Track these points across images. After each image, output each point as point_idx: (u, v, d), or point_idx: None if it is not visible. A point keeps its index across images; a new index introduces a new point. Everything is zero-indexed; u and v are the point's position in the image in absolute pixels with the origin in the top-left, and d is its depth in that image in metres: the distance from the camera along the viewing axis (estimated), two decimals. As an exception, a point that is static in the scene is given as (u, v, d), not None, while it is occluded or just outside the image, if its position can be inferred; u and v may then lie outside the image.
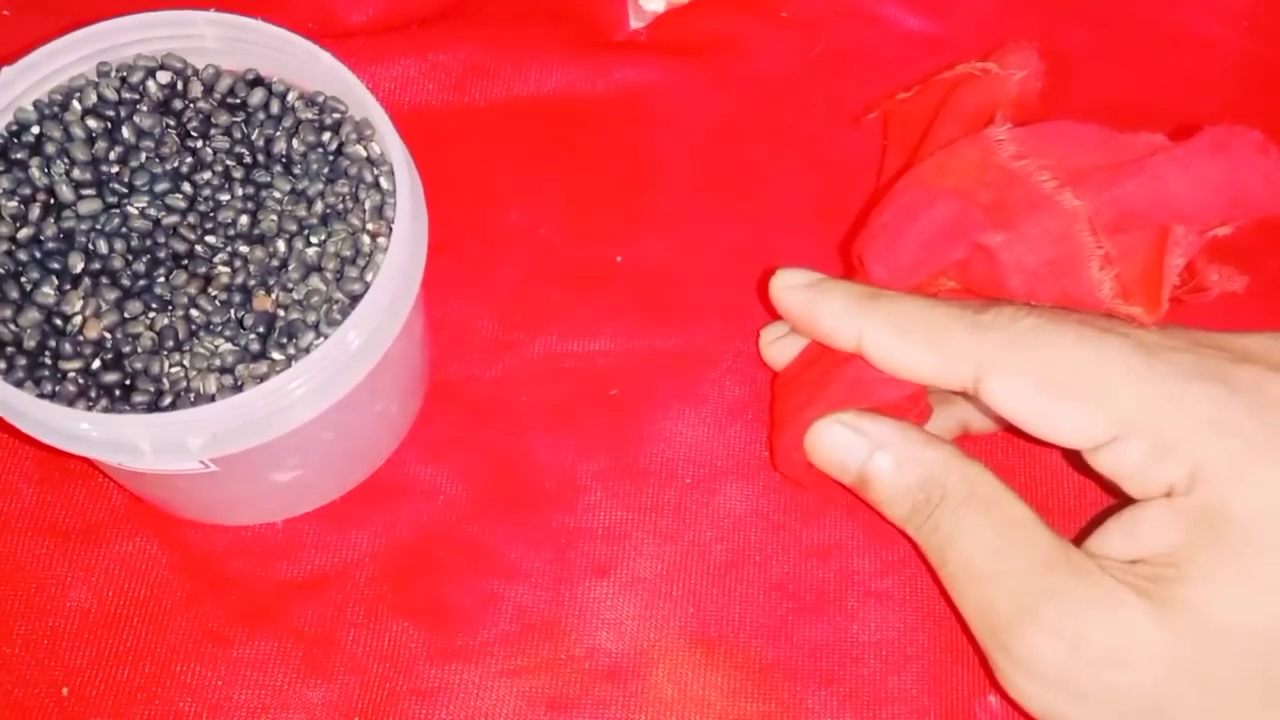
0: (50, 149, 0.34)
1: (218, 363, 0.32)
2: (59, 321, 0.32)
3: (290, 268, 0.33)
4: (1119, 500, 0.31)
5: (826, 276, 0.34)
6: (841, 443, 0.33)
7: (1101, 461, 0.29)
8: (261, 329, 0.32)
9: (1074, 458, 0.30)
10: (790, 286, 0.34)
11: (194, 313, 0.32)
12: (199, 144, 0.35)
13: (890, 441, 0.32)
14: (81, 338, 0.32)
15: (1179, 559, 0.28)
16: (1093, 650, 0.28)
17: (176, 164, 0.34)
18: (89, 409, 0.31)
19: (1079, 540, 0.31)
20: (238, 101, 0.35)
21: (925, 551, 0.32)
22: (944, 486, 0.31)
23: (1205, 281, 0.31)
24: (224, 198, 0.34)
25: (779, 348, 0.37)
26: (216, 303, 0.33)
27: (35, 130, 0.34)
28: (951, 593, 0.32)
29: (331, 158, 0.34)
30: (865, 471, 0.33)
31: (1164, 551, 0.28)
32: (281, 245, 0.33)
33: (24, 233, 0.33)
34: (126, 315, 0.32)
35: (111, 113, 0.35)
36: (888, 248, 0.33)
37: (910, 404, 0.34)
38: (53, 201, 0.34)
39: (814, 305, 0.33)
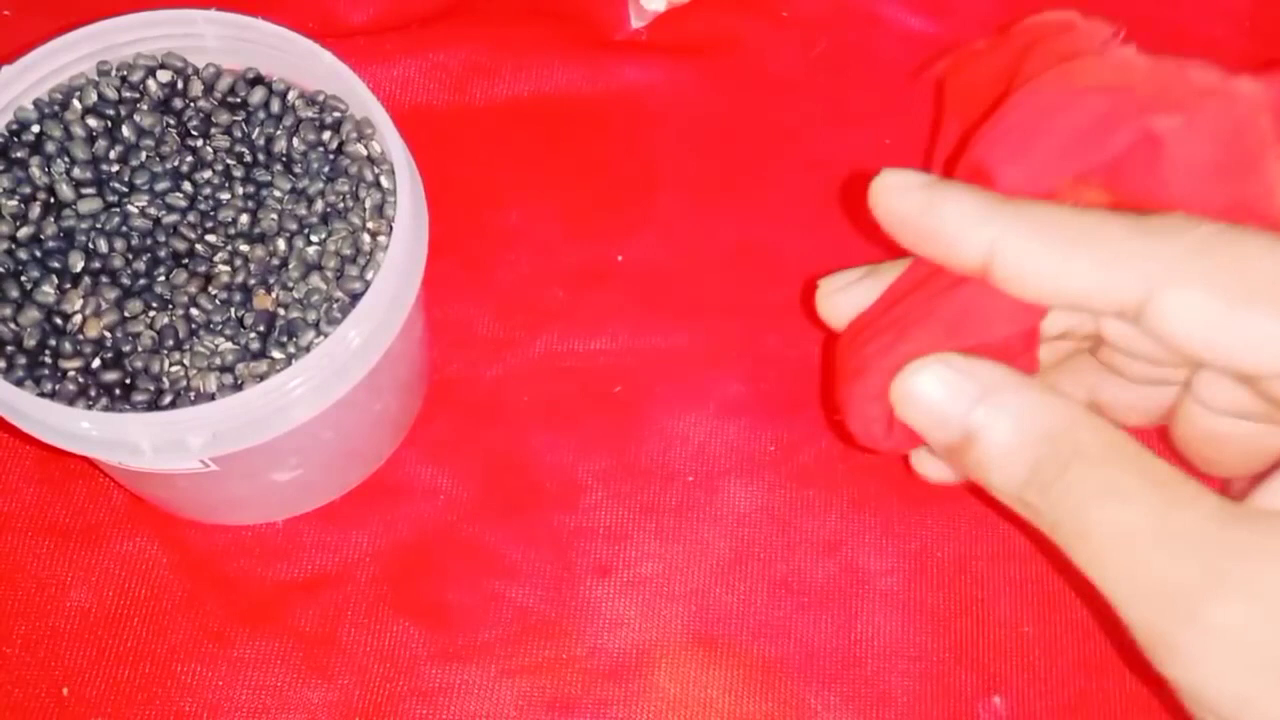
0: (50, 148, 0.34)
1: (218, 361, 0.32)
2: (59, 320, 0.32)
3: (290, 266, 0.33)
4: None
5: (943, 179, 0.28)
6: (942, 387, 0.27)
7: None
8: (262, 328, 0.32)
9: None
10: (900, 187, 0.27)
11: (194, 311, 0.32)
12: (199, 143, 0.35)
13: (1004, 386, 0.26)
14: (81, 336, 0.32)
15: None
16: None
17: (177, 163, 0.34)
18: (89, 408, 0.31)
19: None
20: (238, 100, 0.35)
21: (1051, 526, 0.26)
22: (1075, 440, 0.25)
23: None
24: (224, 196, 0.34)
25: (844, 298, 0.31)
26: (217, 301, 0.32)
27: (35, 129, 0.34)
28: (1095, 569, 0.25)
29: (332, 156, 0.34)
30: (971, 424, 0.26)
31: None
32: (282, 244, 0.33)
33: (24, 231, 0.33)
34: (126, 314, 0.32)
35: (112, 112, 0.35)
36: (1021, 147, 0.27)
37: (1023, 346, 0.28)
38: (53, 200, 0.34)
39: (934, 207, 0.26)
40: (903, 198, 0.27)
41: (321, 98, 0.35)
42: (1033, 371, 0.28)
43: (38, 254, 0.33)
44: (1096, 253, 0.24)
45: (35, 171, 0.34)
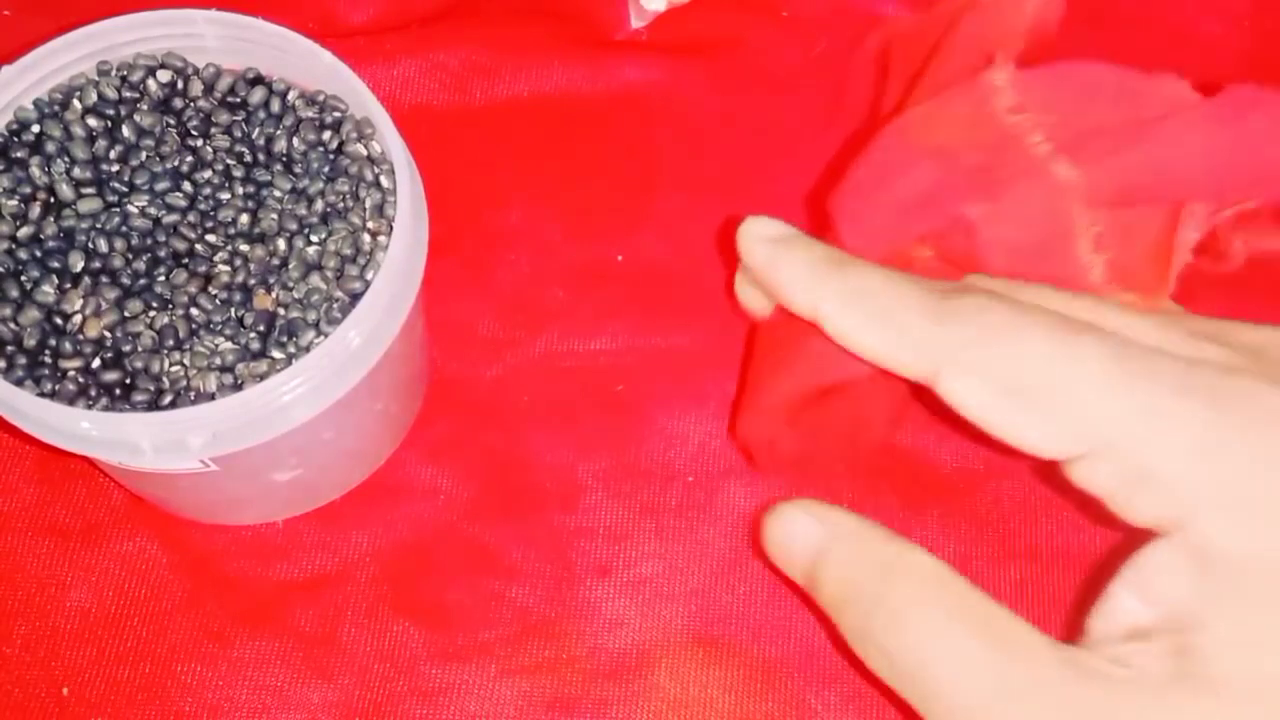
0: (50, 148, 0.34)
1: (218, 361, 0.32)
2: (59, 320, 0.32)
3: (290, 266, 0.33)
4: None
5: (797, 232, 0.30)
6: (796, 530, 0.29)
7: (1076, 476, 0.26)
8: (262, 328, 0.32)
9: (1047, 469, 0.27)
10: (756, 238, 0.30)
11: (194, 311, 0.32)
12: (199, 143, 0.35)
13: (846, 533, 0.28)
14: (81, 336, 0.32)
15: (1189, 621, 0.24)
16: None
17: (177, 163, 0.34)
18: (89, 408, 0.31)
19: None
20: (238, 100, 0.35)
21: (888, 672, 0.26)
22: (916, 596, 0.26)
23: (1228, 248, 0.28)
24: (224, 196, 0.34)
25: (756, 294, 0.32)
26: (217, 301, 0.32)
27: (35, 129, 0.34)
28: (916, 702, 0.26)
29: (332, 156, 0.34)
30: (815, 566, 0.28)
31: (1175, 608, 0.24)
32: (282, 244, 0.33)
33: (24, 231, 0.33)
34: (126, 314, 0.32)
35: (112, 111, 0.35)
36: (860, 209, 0.30)
37: (885, 380, 0.29)
38: (53, 200, 0.34)
39: (775, 265, 0.29)
40: (755, 249, 0.30)
41: (321, 98, 0.35)
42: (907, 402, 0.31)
43: (38, 254, 0.33)
44: (897, 332, 0.26)
45: (35, 171, 0.34)
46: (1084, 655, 0.25)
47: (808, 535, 0.28)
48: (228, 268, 0.33)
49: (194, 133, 0.35)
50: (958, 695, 0.25)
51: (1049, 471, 0.26)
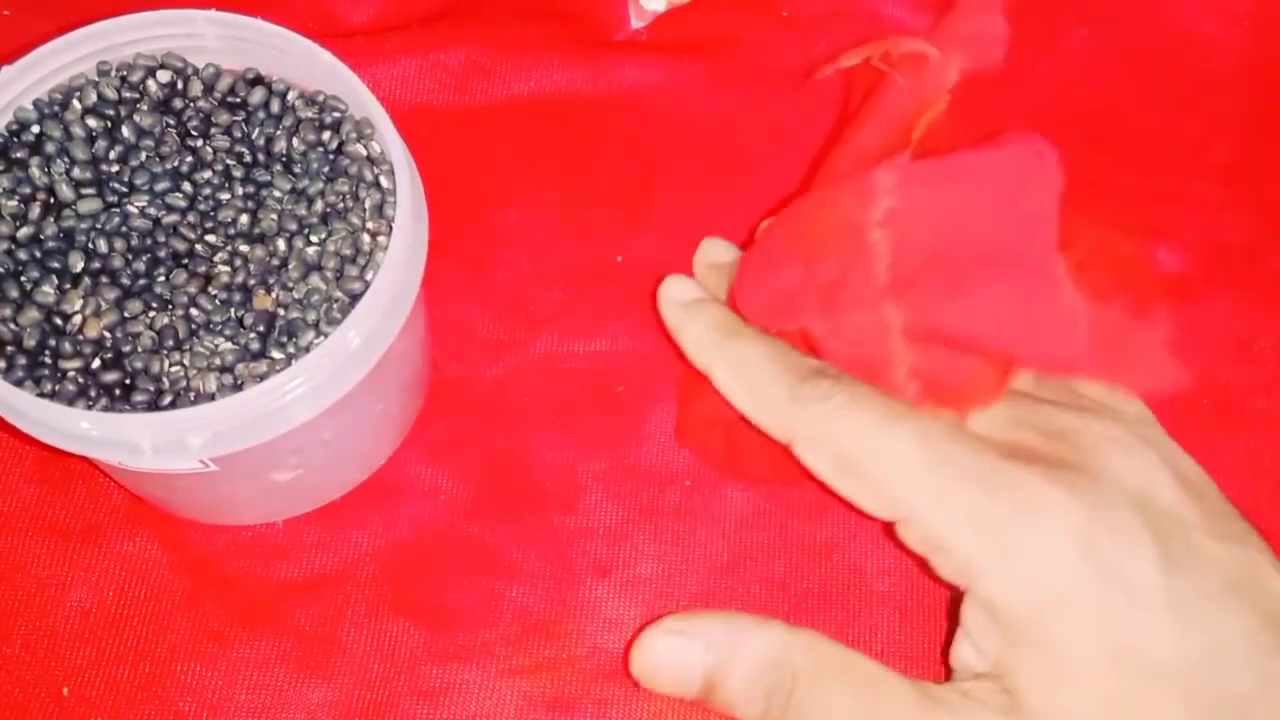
0: (50, 148, 0.34)
1: (218, 362, 0.32)
2: (59, 320, 0.32)
3: (290, 266, 0.33)
4: None
5: (703, 298, 0.34)
6: (673, 653, 0.31)
7: (900, 536, 0.30)
8: (261, 328, 0.32)
9: (888, 527, 0.31)
10: (670, 300, 0.34)
11: (194, 312, 0.32)
12: (199, 143, 0.35)
13: (722, 638, 0.30)
14: (81, 337, 0.32)
15: (1003, 667, 0.28)
16: None
17: (176, 163, 0.34)
18: (89, 408, 0.31)
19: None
20: (238, 100, 0.35)
21: None
22: (792, 665, 0.30)
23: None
24: (224, 197, 0.34)
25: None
26: (216, 302, 0.32)
27: (35, 129, 0.34)
28: None
29: (332, 156, 0.34)
30: (707, 678, 0.30)
31: (993, 655, 0.28)
32: (281, 244, 0.33)
33: (24, 232, 0.33)
34: (126, 314, 0.32)
35: (111, 112, 0.35)
36: (748, 289, 0.34)
37: None
38: (53, 200, 0.34)
39: (680, 328, 0.34)
40: (666, 309, 0.34)
41: (321, 98, 0.35)
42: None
43: (38, 254, 0.33)
44: (763, 404, 0.31)
45: (35, 171, 0.34)
46: (939, 689, 0.29)
47: (688, 653, 0.31)
48: (228, 268, 0.33)
49: (194, 133, 0.35)
50: None
51: (889, 529, 0.30)
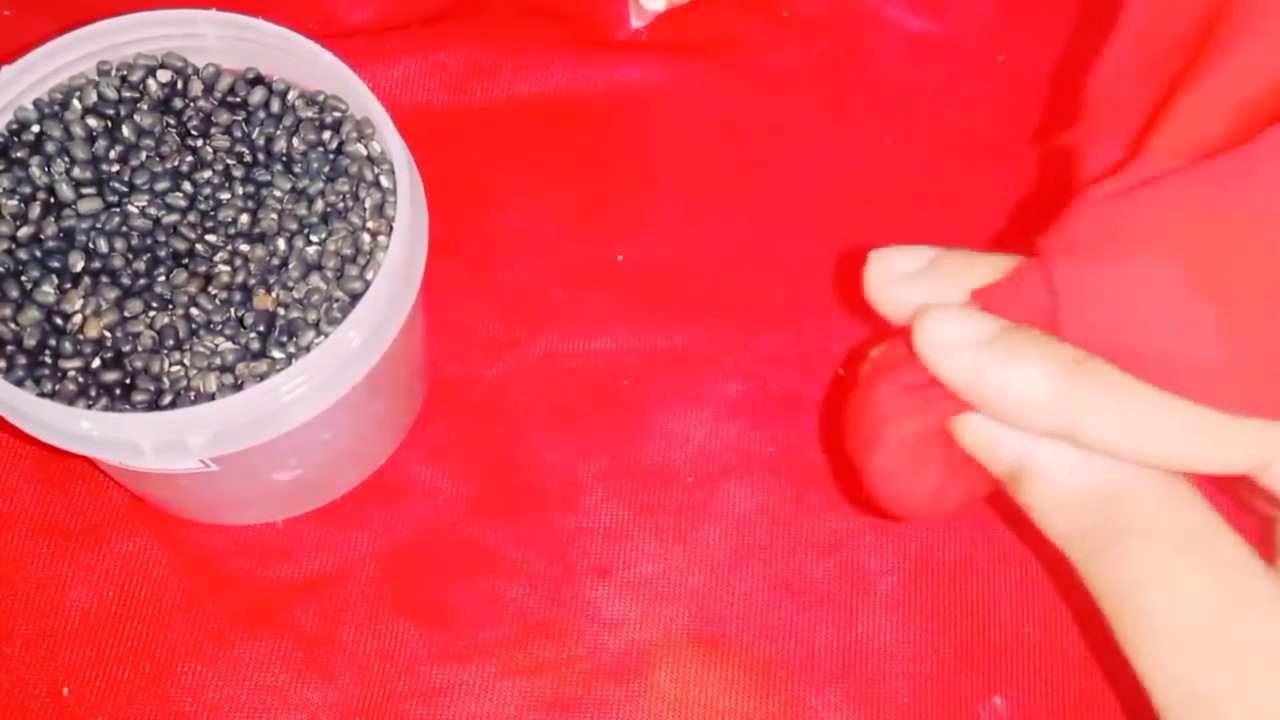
0: (50, 148, 0.34)
1: (218, 361, 0.32)
2: (59, 320, 0.32)
3: (290, 266, 0.33)
4: None
5: (1003, 325, 0.23)
6: (995, 430, 0.24)
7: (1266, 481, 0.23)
8: (262, 328, 0.32)
9: None
10: (955, 346, 0.23)
11: (194, 311, 0.32)
12: (199, 143, 0.35)
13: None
14: (81, 336, 0.32)
15: None
16: None
17: (177, 163, 0.34)
18: (89, 408, 0.31)
19: None
20: (238, 100, 0.35)
21: (1092, 586, 0.24)
22: (1134, 506, 0.23)
23: None
24: (224, 196, 0.34)
25: (907, 291, 0.25)
26: (217, 301, 0.32)
27: (35, 129, 0.34)
28: (1133, 651, 0.23)
29: (332, 156, 0.34)
30: (1024, 462, 0.24)
31: None
32: (282, 244, 0.33)
33: (24, 231, 0.33)
34: (126, 314, 0.32)
35: (112, 111, 0.35)
36: (1097, 318, 0.23)
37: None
38: (53, 200, 0.34)
39: (997, 380, 0.23)
40: (954, 360, 0.24)
41: (321, 98, 0.35)
42: None
43: (38, 254, 0.33)
44: (1203, 429, 0.22)
45: (35, 171, 0.34)
46: None
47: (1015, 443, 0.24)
48: (228, 268, 0.33)
49: (194, 133, 0.35)
50: (1172, 625, 0.23)
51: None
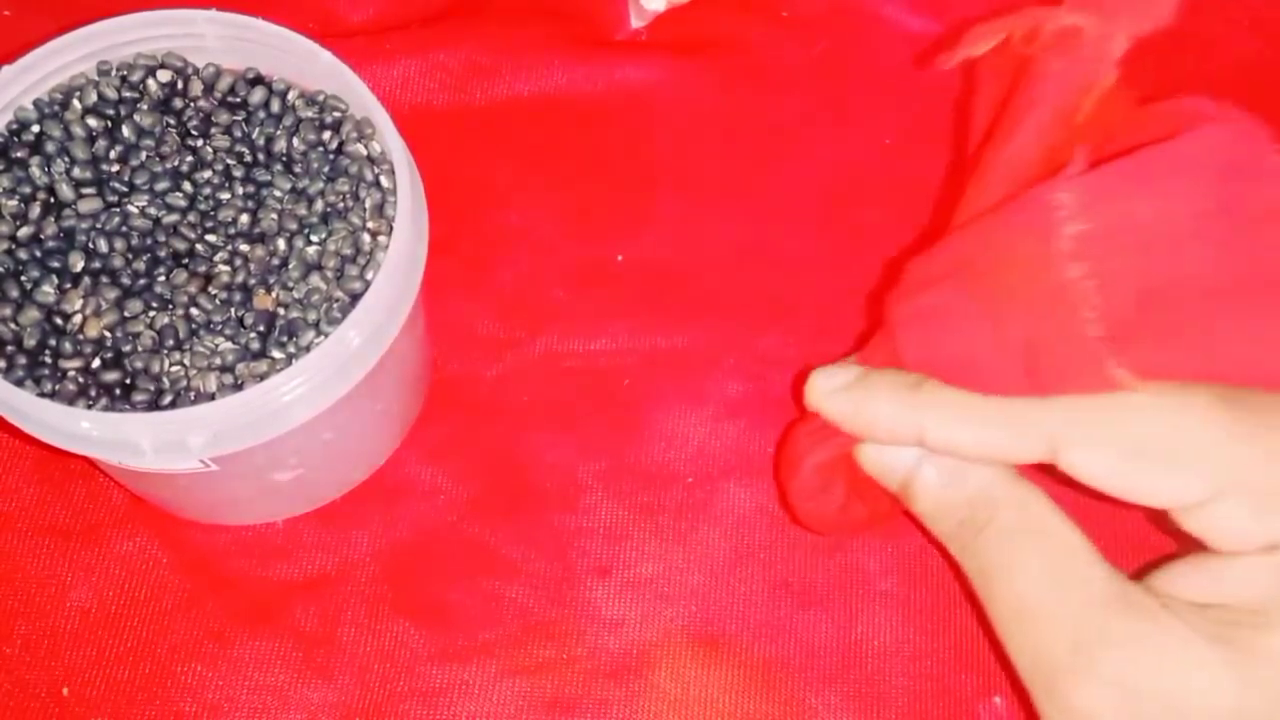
0: (50, 148, 0.34)
1: (218, 361, 0.32)
2: (59, 320, 0.32)
3: (290, 266, 0.33)
4: (1188, 548, 0.29)
5: (862, 370, 0.31)
6: (890, 453, 0.31)
7: (1194, 522, 0.27)
8: (262, 328, 0.32)
9: (1155, 515, 0.28)
10: (830, 392, 0.31)
11: (194, 311, 0.32)
12: (199, 143, 0.35)
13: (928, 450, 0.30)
14: (81, 336, 0.32)
15: (1269, 608, 0.26)
16: (1155, 700, 0.26)
17: (177, 163, 0.34)
18: (89, 408, 0.31)
19: (1137, 577, 0.29)
20: (238, 100, 0.35)
21: (969, 575, 0.30)
22: (993, 507, 0.29)
23: None
24: (224, 196, 0.34)
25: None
26: (217, 301, 0.32)
27: (35, 129, 0.34)
28: (996, 626, 0.29)
29: (332, 156, 0.34)
30: (912, 479, 0.30)
31: (1251, 599, 0.27)
32: (282, 244, 0.33)
33: (24, 231, 0.33)
34: (126, 314, 0.32)
35: (112, 111, 0.35)
36: (920, 346, 0.29)
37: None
38: (53, 200, 0.34)
39: (863, 409, 0.30)
40: (833, 402, 0.31)
41: (321, 98, 0.35)
42: None
43: (38, 254, 0.33)
44: (1008, 425, 0.28)
45: (35, 171, 0.34)
46: (1136, 592, 0.27)
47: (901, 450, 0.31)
48: (228, 268, 0.33)
49: (194, 133, 0.35)
50: (1020, 599, 0.29)
51: (1158, 519, 0.28)
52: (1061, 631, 0.27)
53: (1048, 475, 0.29)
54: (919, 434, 0.29)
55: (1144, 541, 0.35)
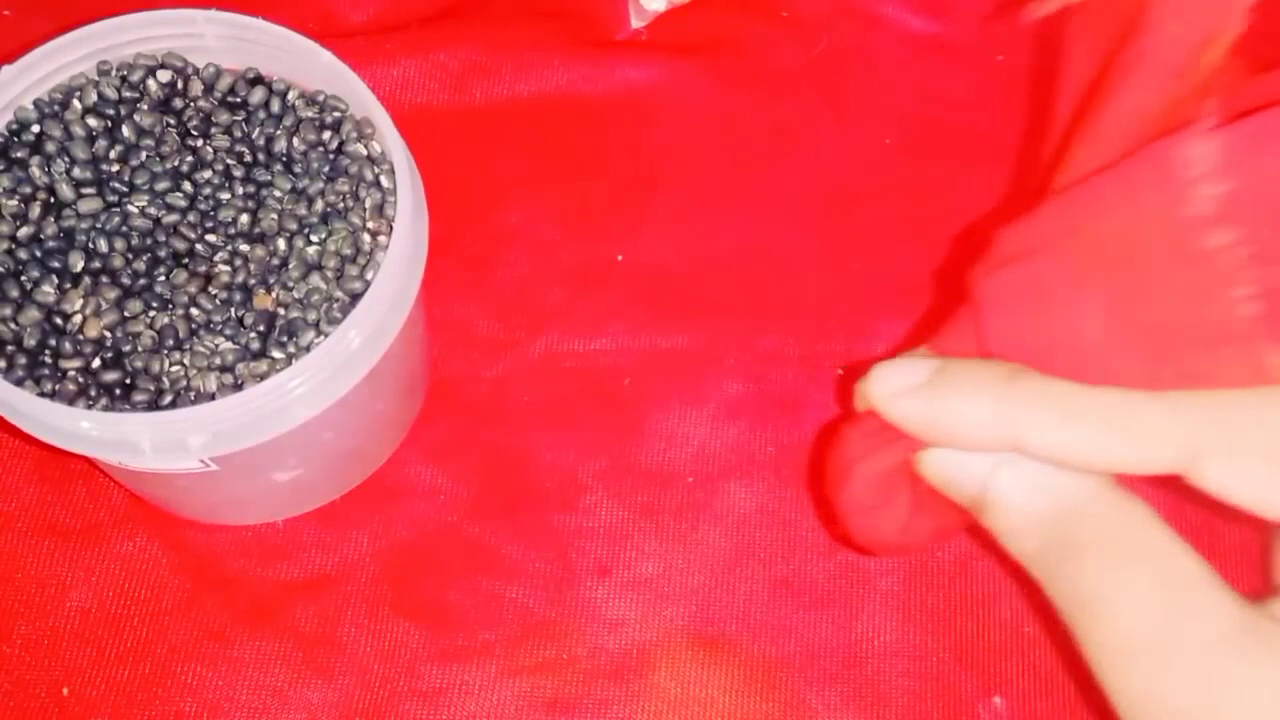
0: (50, 148, 0.34)
1: (218, 361, 0.32)
2: (59, 320, 0.32)
3: (290, 266, 0.33)
4: None
5: (939, 362, 0.25)
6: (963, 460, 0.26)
7: None
8: (262, 328, 0.32)
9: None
10: (898, 395, 0.25)
11: (194, 311, 0.32)
12: (199, 143, 0.35)
13: (1022, 456, 0.25)
14: (82, 336, 0.32)
15: None
16: None
17: (177, 163, 0.34)
18: (89, 408, 0.31)
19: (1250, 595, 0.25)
20: (238, 100, 0.35)
21: (1057, 604, 0.25)
22: (1091, 525, 0.24)
23: None
24: (224, 196, 0.34)
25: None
26: (217, 301, 0.32)
27: (36, 129, 0.34)
28: (1094, 664, 0.24)
29: (332, 156, 0.34)
30: (985, 490, 0.25)
31: None
32: (282, 244, 0.33)
33: (24, 231, 0.33)
34: (126, 314, 0.32)
35: (112, 111, 0.35)
36: (1014, 330, 0.25)
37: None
38: (53, 200, 0.34)
39: (944, 410, 0.25)
40: (905, 406, 0.25)
41: (321, 98, 0.35)
42: None
43: (38, 254, 0.33)
44: (1130, 431, 0.23)
45: (35, 171, 0.34)
46: (1263, 626, 0.23)
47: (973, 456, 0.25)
48: (228, 268, 0.33)
49: (194, 133, 0.35)
50: (1127, 635, 0.24)
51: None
52: (1179, 676, 0.23)
53: (1145, 481, 0.25)
54: (1016, 438, 0.24)
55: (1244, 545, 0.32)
